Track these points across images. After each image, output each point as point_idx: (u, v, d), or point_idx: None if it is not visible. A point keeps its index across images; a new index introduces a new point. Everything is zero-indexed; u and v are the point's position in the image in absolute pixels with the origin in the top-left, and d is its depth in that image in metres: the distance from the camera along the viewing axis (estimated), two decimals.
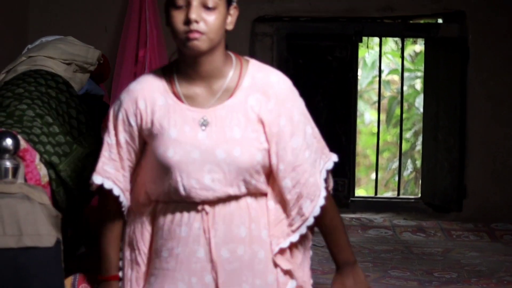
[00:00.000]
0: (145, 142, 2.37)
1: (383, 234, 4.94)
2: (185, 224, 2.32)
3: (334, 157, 2.44)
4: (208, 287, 2.29)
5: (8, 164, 2.49)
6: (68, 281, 2.59)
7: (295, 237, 2.38)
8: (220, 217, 2.31)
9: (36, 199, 2.40)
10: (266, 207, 2.38)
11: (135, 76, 5.19)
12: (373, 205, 5.93)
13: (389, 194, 9.24)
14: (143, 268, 2.41)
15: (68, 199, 2.78)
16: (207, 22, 2.21)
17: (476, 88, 5.59)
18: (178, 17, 2.24)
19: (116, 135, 2.37)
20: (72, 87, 3.13)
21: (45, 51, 3.22)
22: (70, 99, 3.05)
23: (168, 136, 2.29)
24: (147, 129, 2.33)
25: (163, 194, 2.35)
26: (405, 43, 6.92)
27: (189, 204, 2.32)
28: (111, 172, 2.37)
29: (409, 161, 9.65)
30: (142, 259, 2.42)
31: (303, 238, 2.42)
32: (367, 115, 10.00)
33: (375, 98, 9.32)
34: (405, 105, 8.94)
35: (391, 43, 9.51)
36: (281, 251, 2.38)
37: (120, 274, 2.46)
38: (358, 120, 7.03)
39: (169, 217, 2.35)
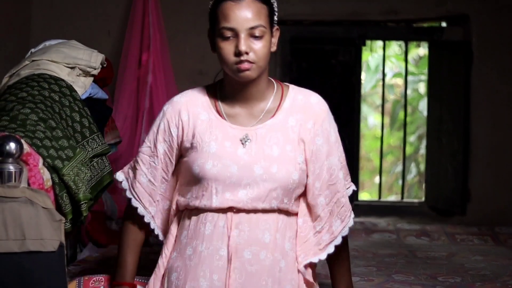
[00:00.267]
0: (181, 155, 2.45)
1: (387, 238, 4.94)
2: (210, 221, 2.36)
3: (353, 186, 2.59)
4: (228, 286, 2.30)
5: (11, 168, 2.49)
6: (72, 286, 2.59)
7: (323, 255, 2.46)
8: (246, 219, 2.36)
9: (40, 203, 2.39)
10: (294, 224, 2.45)
11: (138, 80, 5.20)
12: (377, 209, 5.93)
13: (393, 198, 9.21)
14: (162, 270, 2.46)
15: (71, 203, 2.77)
16: (256, 51, 2.29)
17: (480, 91, 5.59)
18: (227, 48, 2.30)
19: (155, 145, 2.45)
20: (75, 91, 3.12)
21: (48, 55, 3.22)
22: (73, 103, 3.05)
23: (208, 149, 2.36)
24: (188, 141, 2.41)
25: (192, 205, 2.41)
26: (408, 46, 6.92)
27: (216, 209, 2.38)
28: (140, 189, 2.49)
29: (412, 164, 9.63)
30: (163, 262, 2.46)
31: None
32: (370, 119, 9.98)
33: (379, 102, 9.30)
34: (409, 108, 8.92)
35: (394, 47, 9.49)
36: (306, 266, 2.44)
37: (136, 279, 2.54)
38: (362, 124, 7.02)
39: (194, 218, 2.41)
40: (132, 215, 2.52)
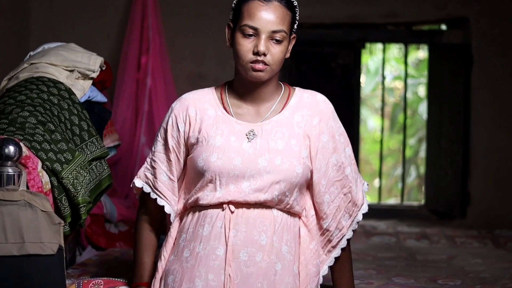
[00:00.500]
0: (188, 153, 2.47)
1: (387, 241, 4.93)
2: (208, 223, 2.38)
3: (366, 183, 2.61)
4: (223, 286, 2.30)
5: (10, 171, 2.49)
6: None
7: (337, 252, 2.52)
8: (243, 219, 2.37)
9: (39, 207, 2.39)
10: (294, 226, 2.46)
11: (137, 83, 5.19)
12: (377, 212, 5.92)
13: (393, 201, 9.22)
14: (160, 273, 2.46)
15: (70, 206, 2.77)
16: (274, 55, 2.34)
17: (480, 94, 5.58)
18: (246, 45, 2.34)
19: (167, 141, 2.48)
20: (74, 94, 3.12)
21: (47, 58, 3.22)
22: (72, 106, 3.04)
23: (213, 143, 2.40)
24: (194, 137, 2.44)
25: (194, 201, 2.43)
26: (408, 49, 6.92)
27: (216, 205, 2.39)
28: (163, 188, 2.50)
29: (412, 167, 9.63)
30: (162, 264, 2.47)
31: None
32: (370, 122, 9.97)
33: (378, 105, 9.31)
34: (409, 111, 8.92)
35: (394, 50, 9.49)
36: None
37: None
38: (361, 127, 7.02)
39: (194, 220, 2.42)
40: (149, 214, 2.54)
